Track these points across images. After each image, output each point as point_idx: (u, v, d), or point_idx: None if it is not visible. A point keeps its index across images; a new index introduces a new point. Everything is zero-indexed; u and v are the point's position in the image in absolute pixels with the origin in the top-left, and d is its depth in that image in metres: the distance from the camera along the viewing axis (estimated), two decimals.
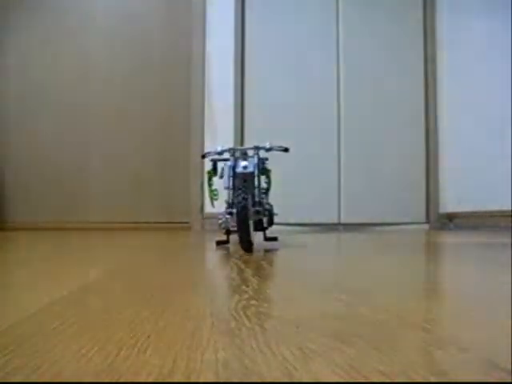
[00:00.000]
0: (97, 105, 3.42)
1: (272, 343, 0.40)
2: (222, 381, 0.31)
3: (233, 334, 0.43)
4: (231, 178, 1.35)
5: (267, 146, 1.42)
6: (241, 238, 1.23)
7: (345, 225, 3.30)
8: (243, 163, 1.34)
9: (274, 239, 1.53)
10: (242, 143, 3.21)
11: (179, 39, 3.43)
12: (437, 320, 0.52)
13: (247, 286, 0.70)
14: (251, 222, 1.26)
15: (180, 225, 3.19)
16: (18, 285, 0.79)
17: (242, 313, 0.51)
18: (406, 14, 3.50)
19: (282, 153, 1.48)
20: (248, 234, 1.23)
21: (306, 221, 3.21)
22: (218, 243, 1.47)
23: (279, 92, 3.31)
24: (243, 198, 1.22)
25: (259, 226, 1.44)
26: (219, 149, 1.44)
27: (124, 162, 3.41)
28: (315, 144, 3.29)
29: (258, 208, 1.32)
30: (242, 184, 1.26)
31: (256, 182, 1.36)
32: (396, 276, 0.89)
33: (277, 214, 1.54)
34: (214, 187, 1.47)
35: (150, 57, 3.45)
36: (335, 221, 3.29)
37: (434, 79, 3.48)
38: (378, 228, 3.25)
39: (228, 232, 1.46)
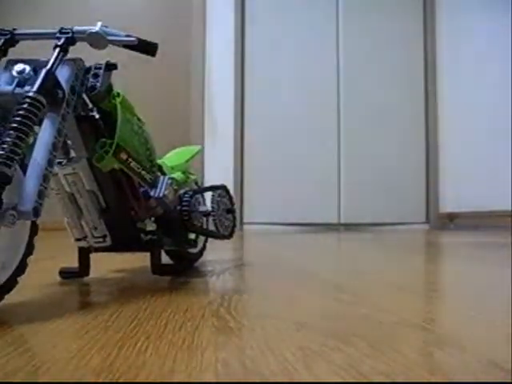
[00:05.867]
0: None
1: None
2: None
3: None
4: None
5: (95, 28, 0.65)
6: None
7: (345, 225, 3.30)
8: (17, 68, 0.60)
9: (168, 271, 0.81)
10: (241, 143, 3.20)
11: (179, 39, 3.43)
12: (437, 320, 0.52)
13: None
14: None
15: None
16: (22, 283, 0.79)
17: None
18: (406, 14, 3.50)
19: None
20: None
21: (306, 221, 3.21)
22: (64, 275, 0.79)
23: (279, 91, 3.30)
24: None
25: (124, 239, 0.76)
26: None
27: None
28: (315, 144, 3.29)
29: None
30: None
31: (18, 120, 0.53)
32: (397, 276, 0.89)
33: (210, 214, 0.90)
34: None
35: (150, 57, 3.44)
36: (335, 221, 3.29)
37: (434, 79, 3.48)
38: (378, 228, 3.25)
39: (83, 252, 0.78)
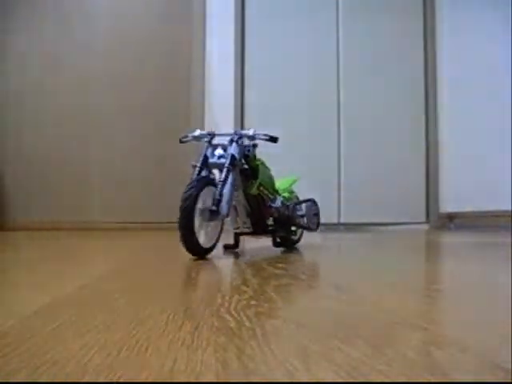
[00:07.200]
0: (96, 104, 3.42)
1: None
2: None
3: None
4: (198, 169, 1.20)
5: (250, 132, 1.26)
6: (182, 239, 1.09)
7: (345, 225, 3.30)
8: (218, 152, 1.22)
9: (282, 245, 1.43)
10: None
11: (179, 39, 3.43)
12: (437, 320, 0.52)
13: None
14: (200, 223, 1.12)
15: None
16: (21, 284, 0.79)
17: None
18: (406, 14, 3.50)
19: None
20: (191, 237, 1.09)
21: None
22: (226, 247, 1.38)
23: (279, 92, 3.31)
24: (189, 194, 1.08)
25: (259, 229, 1.33)
26: (197, 132, 1.29)
27: (124, 162, 3.41)
28: (315, 144, 3.29)
29: (213, 208, 1.13)
30: (198, 177, 1.16)
31: (224, 176, 1.17)
32: (397, 276, 0.89)
33: (303, 216, 1.46)
34: None
35: (151, 57, 3.45)
36: (335, 221, 3.29)
37: (434, 79, 3.48)
38: (378, 228, 3.25)
39: (237, 234, 1.38)
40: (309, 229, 1.51)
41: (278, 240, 1.40)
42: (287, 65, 3.34)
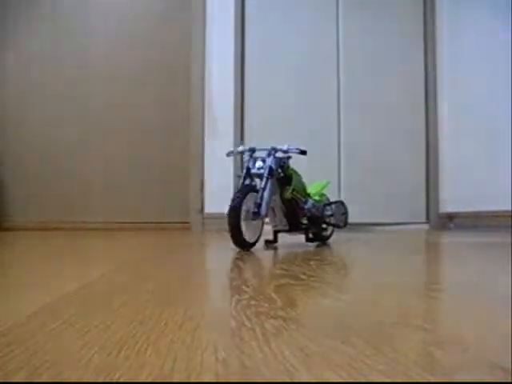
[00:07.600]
0: (96, 105, 3.42)
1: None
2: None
3: None
4: (243, 178, 1.43)
5: (284, 147, 1.48)
6: (231, 236, 1.33)
7: None
8: (258, 164, 1.45)
9: (314, 240, 1.65)
10: (241, 143, 3.21)
11: (179, 40, 3.43)
12: (437, 320, 0.52)
13: None
14: (245, 223, 1.35)
15: (180, 225, 3.19)
16: (21, 284, 0.79)
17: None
18: (406, 14, 3.50)
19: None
20: (239, 234, 1.32)
21: None
22: (267, 242, 1.59)
23: (279, 92, 3.30)
24: (236, 199, 1.33)
25: (293, 227, 1.56)
26: (240, 149, 1.54)
27: (124, 162, 3.41)
28: (315, 144, 3.29)
29: (255, 210, 1.36)
30: (242, 185, 1.40)
31: (264, 184, 1.40)
32: (397, 276, 0.89)
33: (332, 215, 1.69)
34: None
35: (150, 57, 3.44)
36: None
37: (435, 79, 3.48)
38: (378, 228, 3.25)
39: (276, 231, 1.61)
40: (337, 226, 1.75)
41: (311, 236, 1.64)
42: (287, 64, 3.34)
